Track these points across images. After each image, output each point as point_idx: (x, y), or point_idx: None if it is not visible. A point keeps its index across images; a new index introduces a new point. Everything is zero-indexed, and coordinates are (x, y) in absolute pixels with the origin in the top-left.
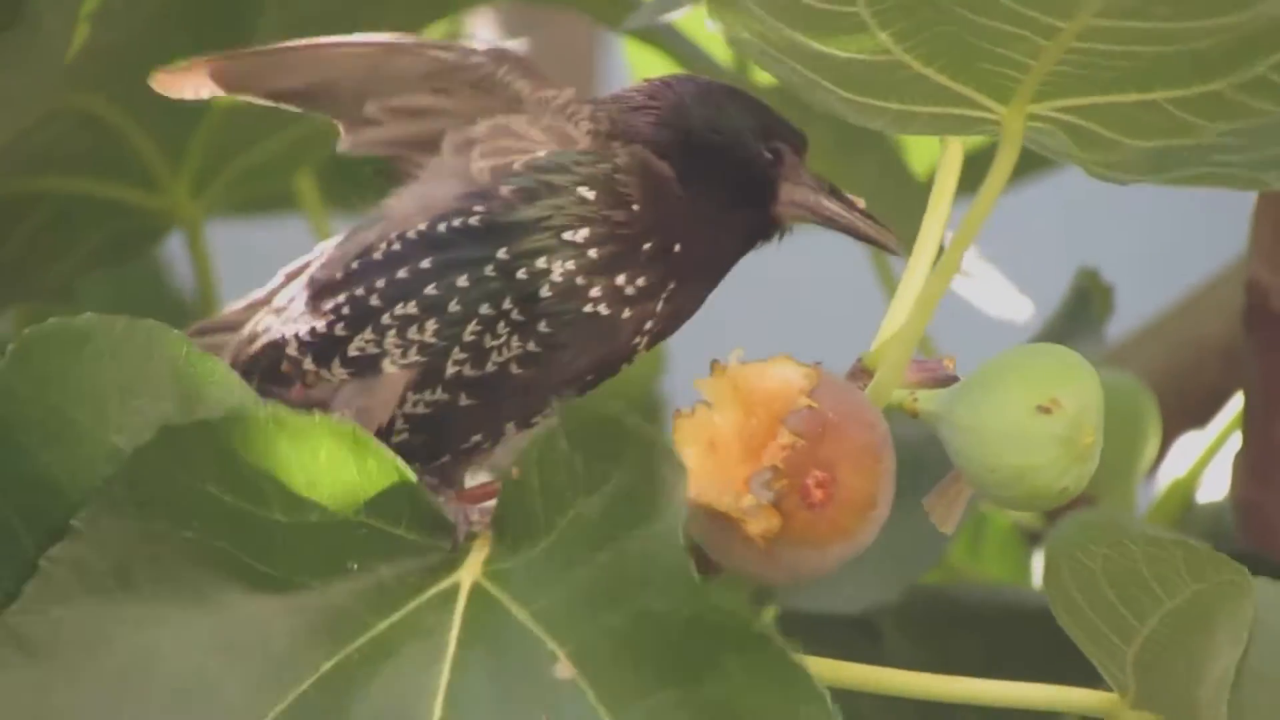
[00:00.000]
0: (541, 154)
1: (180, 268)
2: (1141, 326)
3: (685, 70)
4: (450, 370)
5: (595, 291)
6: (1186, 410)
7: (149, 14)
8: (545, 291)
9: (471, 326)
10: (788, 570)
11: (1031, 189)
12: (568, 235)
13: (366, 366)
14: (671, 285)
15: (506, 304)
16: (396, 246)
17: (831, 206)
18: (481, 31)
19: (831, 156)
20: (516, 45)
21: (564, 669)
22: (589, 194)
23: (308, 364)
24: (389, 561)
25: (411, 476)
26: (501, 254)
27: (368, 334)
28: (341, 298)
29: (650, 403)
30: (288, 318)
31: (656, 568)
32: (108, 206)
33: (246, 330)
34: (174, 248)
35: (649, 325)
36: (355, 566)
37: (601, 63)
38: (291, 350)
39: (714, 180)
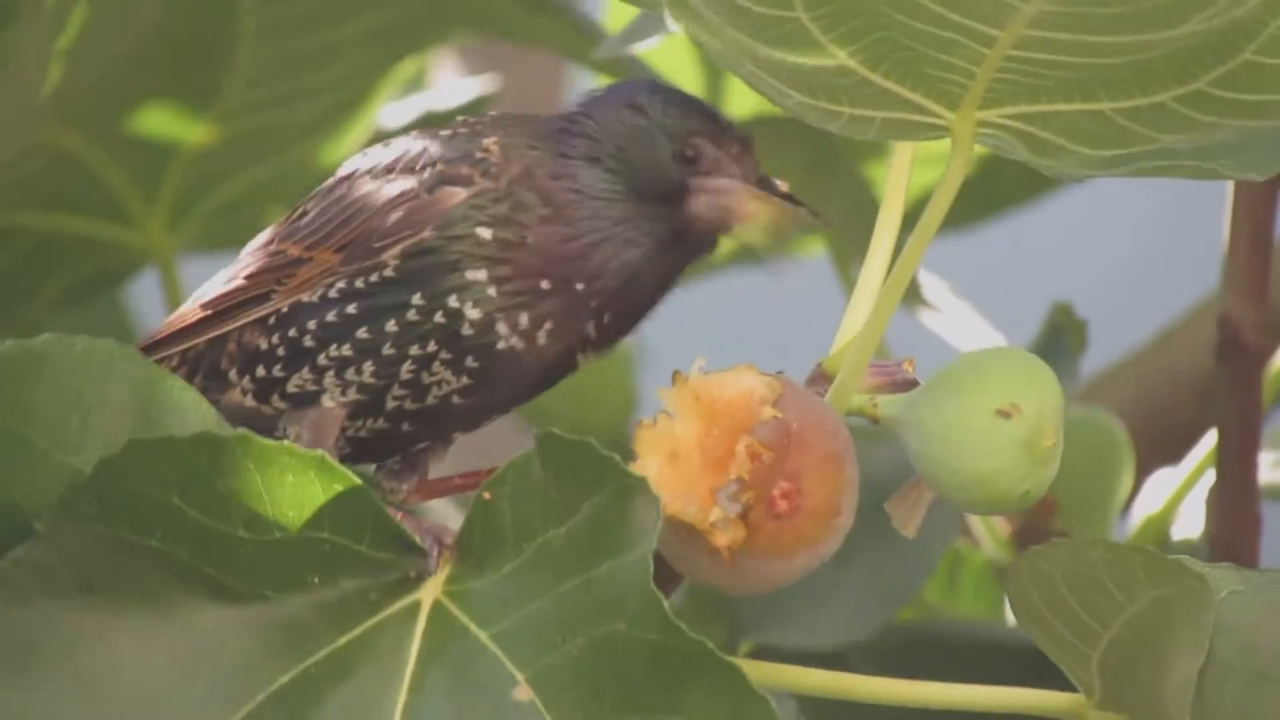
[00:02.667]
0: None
1: (147, 306)
2: (1115, 362)
3: None
4: (391, 404)
5: (503, 328)
6: (1160, 446)
7: (123, 50)
8: (466, 330)
9: (407, 366)
10: (753, 580)
11: (1002, 224)
12: (469, 275)
13: (306, 401)
14: (593, 305)
15: (433, 345)
16: (322, 293)
17: (745, 204)
18: (448, 68)
19: (803, 176)
20: (486, 82)
21: (523, 691)
22: (486, 234)
23: (248, 402)
24: (351, 576)
25: (377, 499)
26: (417, 299)
27: (305, 373)
28: (275, 338)
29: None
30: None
31: (626, 597)
32: (82, 243)
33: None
34: (147, 284)
35: (583, 344)
36: (317, 580)
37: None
38: (233, 393)
39: (630, 188)
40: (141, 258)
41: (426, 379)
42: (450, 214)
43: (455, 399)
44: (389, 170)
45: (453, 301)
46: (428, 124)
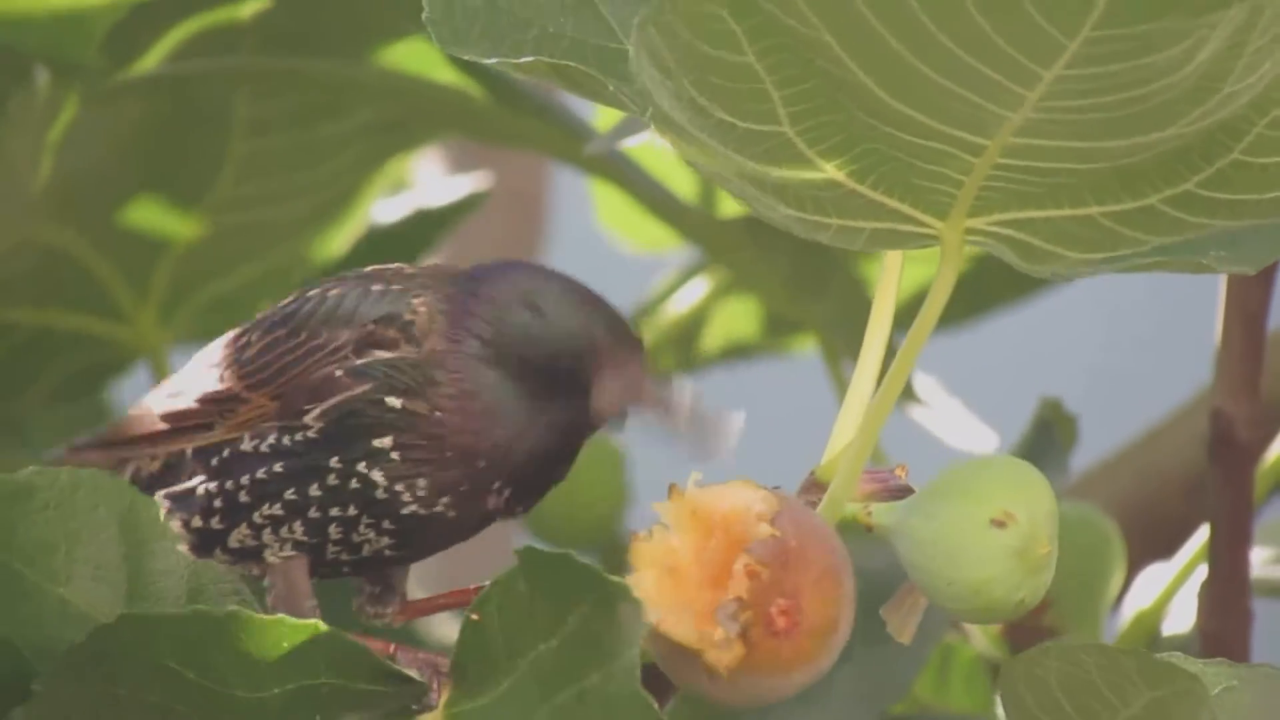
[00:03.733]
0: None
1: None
2: (1106, 457)
3: (641, 202)
4: (330, 556)
5: (404, 494)
6: (1152, 541)
7: (114, 144)
8: (380, 494)
9: (334, 526)
10: (749, 696)
11: (993, 320)
12: (376, 442)
13: (248, 556)
14: (495, 484)
15: (353, 509)
16: (255, 444)
17: (649, 398)
18: (432, 168)
19: (795, 277)
20: (477, 180)
21: None
22: (395, 402)
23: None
24: (352, 711)
25: (374, 653)
26: (334, 462)
27: (244, 529)
28: (213, 486)
29: (617, 522)
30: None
31: (617, 706)
32: (73, 338)
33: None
34: (139, 380)
35: (487, 513)
36: (318, 718)
37: (553, 197)
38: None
39: (529, 388)
40: (133, 352)
41: (356, 538)
42: (369, 380)
43: (388, 553)
44: (325, 321)
45: (362, 467)
46: (421, 221)
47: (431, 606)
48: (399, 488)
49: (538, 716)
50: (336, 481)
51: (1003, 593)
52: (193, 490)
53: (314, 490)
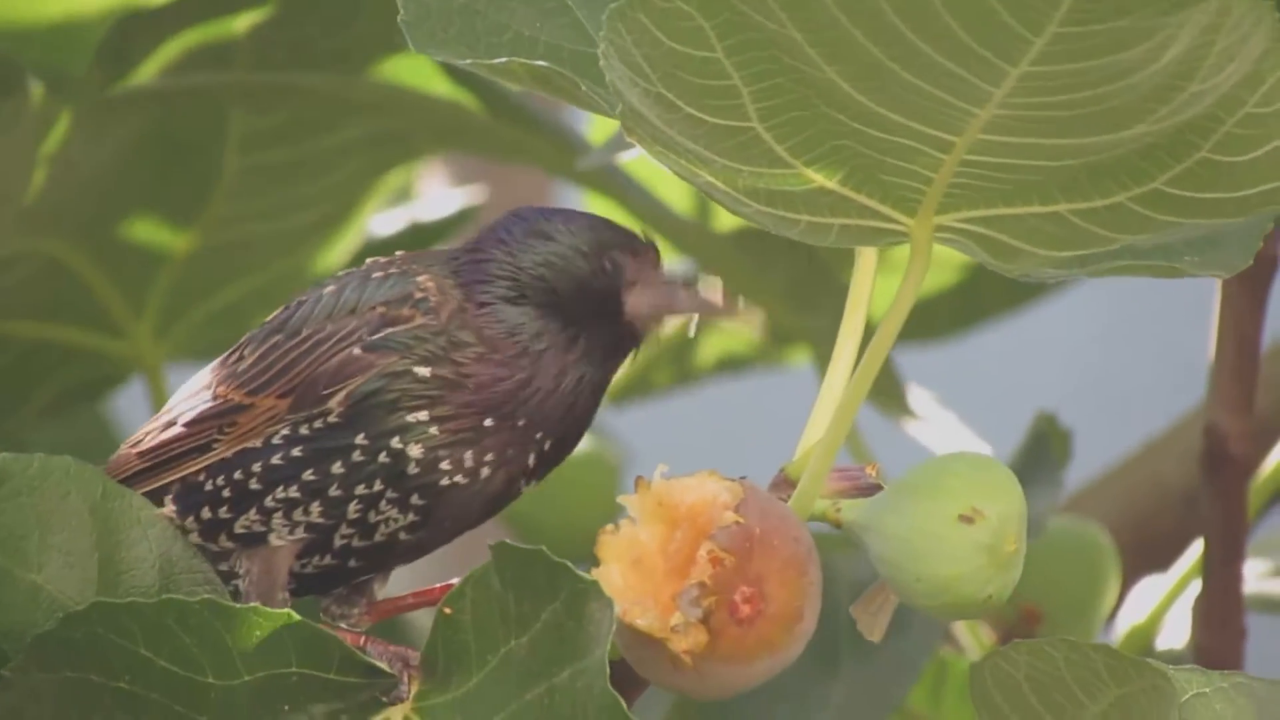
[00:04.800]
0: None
1: (135, 416)
2: (1101, 471)
3: (636, 216)
4: (339, 542)
5: (446, 465)
6: (1146, 555)
7: (109, 158)
8: (412, 469)
9: (354, 505)
10: (715, 685)
11: (988, 333)
12: (410, 417)
13: (254, 540)
14: (536, 436)
15: (379, 485)
16: (266, 438)
17: (684, 299)
18: (436, 180)
19: (788, 289)
20: (472, 194)
21: None
22: (424, 372)
23: (193, 539)
24: (321, 702)
25: (344, 641)
26: (361, 439)
27: (252, 514)
28: (220, 479)
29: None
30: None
31: (586, 703)
32: (69, 352)
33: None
34: (135, 394)
35: (526, 474)
36: (288, 709)
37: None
38: (173, 518)
39: (558, 312)
40: (129, 367)
41: (374, 517)
42: (391, 353)
43: (402, 535)
44: (329, 315)
45: (395, 442)
46: (416, 235)
47: (398, 607)
48: (440, 460)
49: (507, 712)
50: (362, 458)
51: (971, 589)
52: (200, 487)
53: (336, 468)
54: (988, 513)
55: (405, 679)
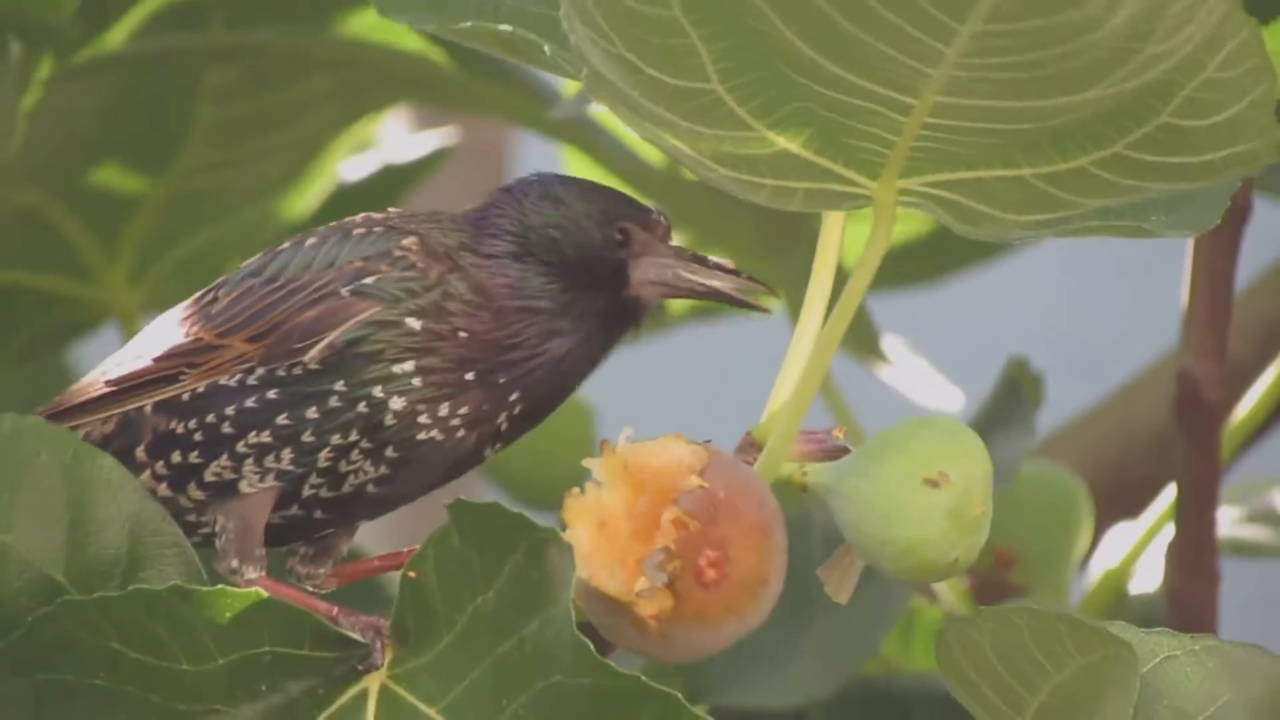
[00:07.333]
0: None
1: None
2: (1073, 417)
3: (607, 167)
4: (307, 492)
5: (424, 419)
6: (1120, 500)
7: (89, 111)
8: (389, 420)
9: (325, 454)
10: (681, 649)
11: (962, 281)
12: (396, 367)
13: (223, 489)
14: (511, 398)
15: (354, 434)
16: (240, 378)
17: (689, 276)
18: (397, 127)
19: (760, 246)
20: (444, 135)
21: None
22: (416, 324)
23: (162, 490)
24: (297, 678)
25: (315, 616)
26: (340, 386)
27: (224, 460)
28: (192, 422)
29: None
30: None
31: (557, 649)
32: (43, 298)
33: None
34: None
35: (498, 433)
36: (265, 688)
37: (515, 161)
38: (144, 478)
39: (561, 275)
40: (102, 312)
41: (344, 467)
42: (378, 301)
43: (370, 488)
44: (306, 266)
45: (377, 392)
46: (388, 177)
47: (365, 569)
48: (420, 413)
49: (481, 668)
50: (339, 404)
51: (937, 552)
52: (171, 432)
53: (311, 414)
54: (953, 476)
55: (379, 647)
